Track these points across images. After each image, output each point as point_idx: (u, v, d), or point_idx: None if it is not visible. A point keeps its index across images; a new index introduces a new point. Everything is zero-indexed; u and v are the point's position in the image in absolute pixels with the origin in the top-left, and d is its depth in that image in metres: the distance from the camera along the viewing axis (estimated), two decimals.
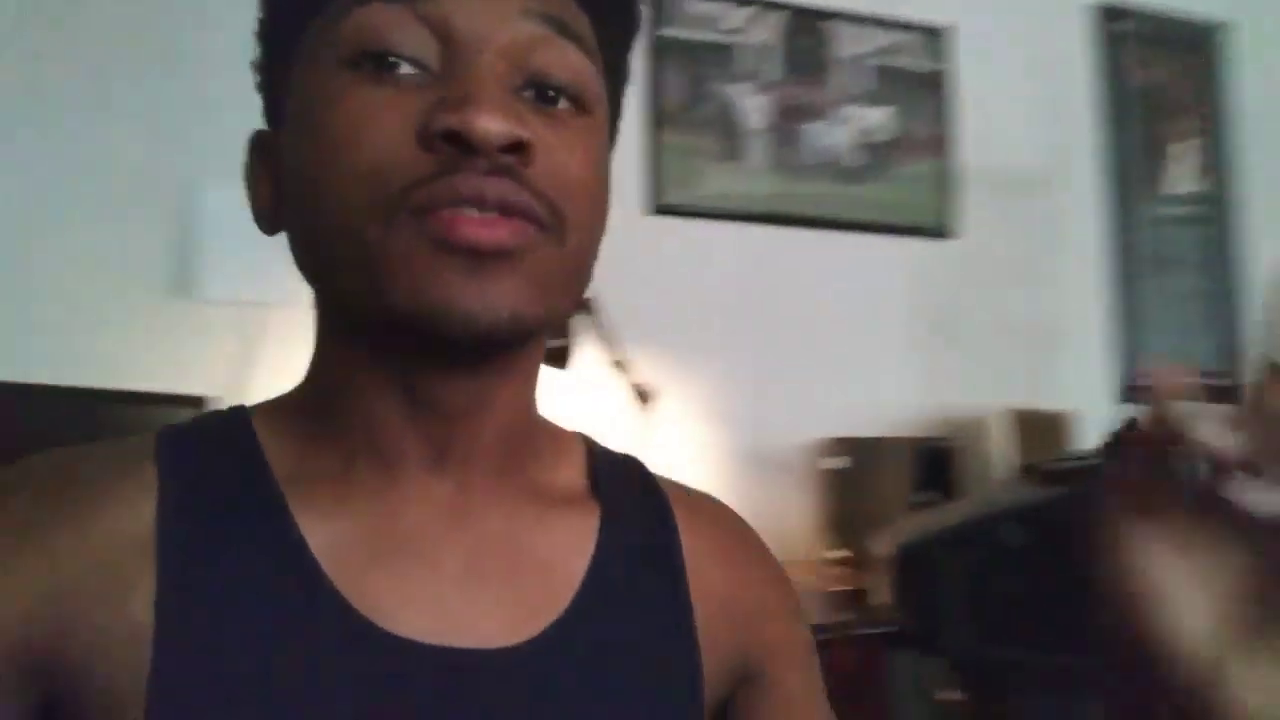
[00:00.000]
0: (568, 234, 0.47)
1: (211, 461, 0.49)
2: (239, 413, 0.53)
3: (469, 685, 0.46)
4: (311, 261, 0.49)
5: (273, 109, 0.52)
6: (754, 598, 0.58)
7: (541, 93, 0.47)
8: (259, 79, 0.53)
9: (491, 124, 0.43)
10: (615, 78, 0.54)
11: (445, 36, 0.46)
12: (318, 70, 0.47)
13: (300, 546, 0.47)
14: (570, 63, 0.48)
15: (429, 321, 0.44)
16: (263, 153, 0.52)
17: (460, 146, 0.43)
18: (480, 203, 0.43)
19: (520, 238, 0.44)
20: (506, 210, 0.44)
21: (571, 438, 0.59)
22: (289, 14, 0.50)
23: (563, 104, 0.48)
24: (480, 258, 0.43)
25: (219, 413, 0.53)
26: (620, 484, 0.57)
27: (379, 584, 0.47)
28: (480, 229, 0.43)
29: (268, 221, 0.52)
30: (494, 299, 0.44)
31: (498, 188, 0.44)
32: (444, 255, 0.43)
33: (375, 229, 0.44)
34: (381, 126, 0.44)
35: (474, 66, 0.45)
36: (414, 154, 0.44)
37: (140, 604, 0.44)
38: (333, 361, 0.51)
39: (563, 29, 0.48)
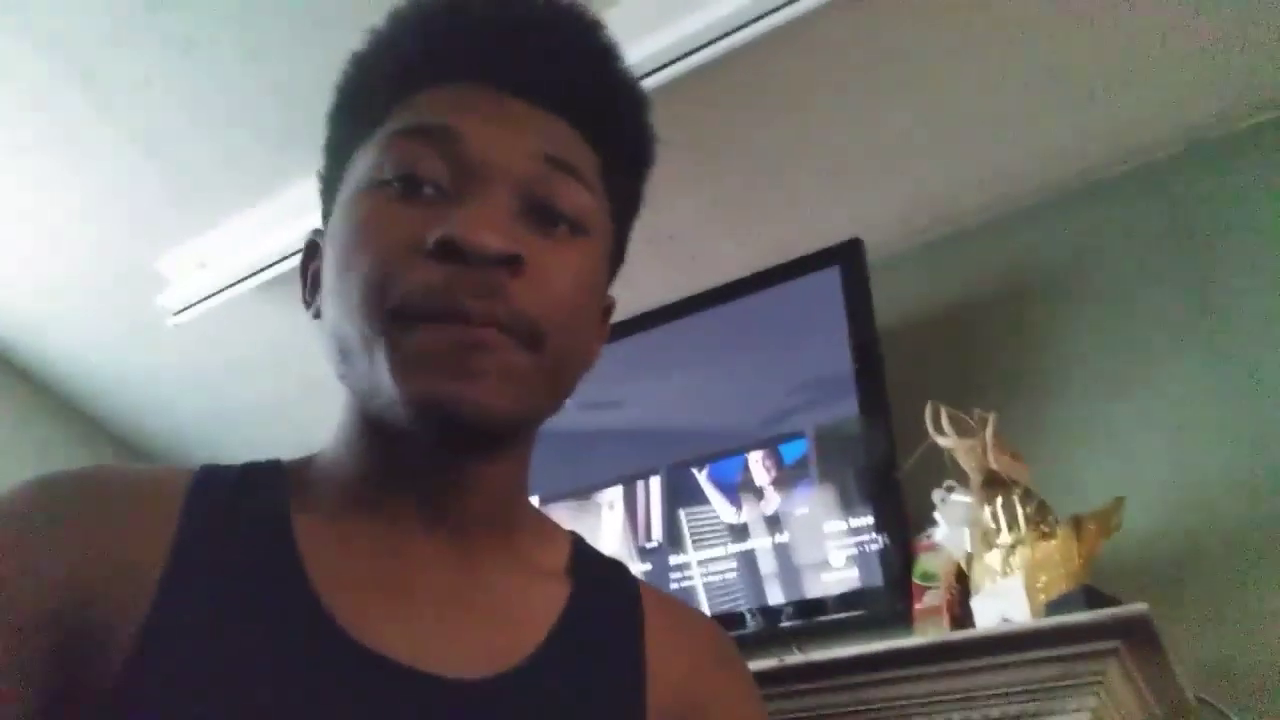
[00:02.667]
0: (545, 349, 0.53)
1: (236, 498, 0.57)
2: (274, 463, 0.61)
3: (435, 705, 0.51)
4: (336, 352, 0.57)
5: (325, 216, 0.62)
6: (713, 694, 0.61)
7: (543, 216, 0.55)
8: (320, 188, 0.63)
9: (486, 238, 0.50)
10: (621, 204, 0.62)
11: (461, 166, 0.54)
12: (356, 187, 0.56)
13: (297, 567, 0.53)
14: (571, 195, 0.56)
15: (424, 420, 0.51)
16: (311, 252, 0.63)
17: (458, 257, 0.50)
18: (467, 320, 0.50)
19: (504, 346, 0.51)
20: (500, 315, 0.51)
21: (561, 531, 0.67)
22: (345, 137, 0.60)
23: (562, 227, 0.56)
24: (470, 365, 0.51)
25: (259, 461, 0.61)
26: (597, 573, 0.64)
27: (365, 609, 0.53)
28: (470, 338, 0.51)
29: (309, 307, 0.62)
30: (482, 398, 0.51)
31: (483, 309, 0.51)
32: (439, 362, 0.50)
33: (385, 330, 0.51)
34: (391, 235, 0.52)
35: (481, 194, 0.53)
36: (415, 262, 0.51)
37: (144, 598, 0.50)
38: (351, 432, 0.59)
39: (568, 169, 0.56)
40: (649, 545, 1.89)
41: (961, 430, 1.49)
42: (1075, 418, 1.65)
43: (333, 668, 0.50)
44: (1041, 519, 1.38)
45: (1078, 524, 1.37)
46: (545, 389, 0.55)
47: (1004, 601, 1.35)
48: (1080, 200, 1.81)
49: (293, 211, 2.01)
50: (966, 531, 1.44)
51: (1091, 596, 1.26)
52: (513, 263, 0.51)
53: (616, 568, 0.67)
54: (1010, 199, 1.88)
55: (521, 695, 0.53)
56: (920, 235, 1.97)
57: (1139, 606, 1.21)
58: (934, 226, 1.96)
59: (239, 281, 2.13)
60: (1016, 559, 1.37)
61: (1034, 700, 1.27)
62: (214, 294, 2.16)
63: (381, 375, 0.52)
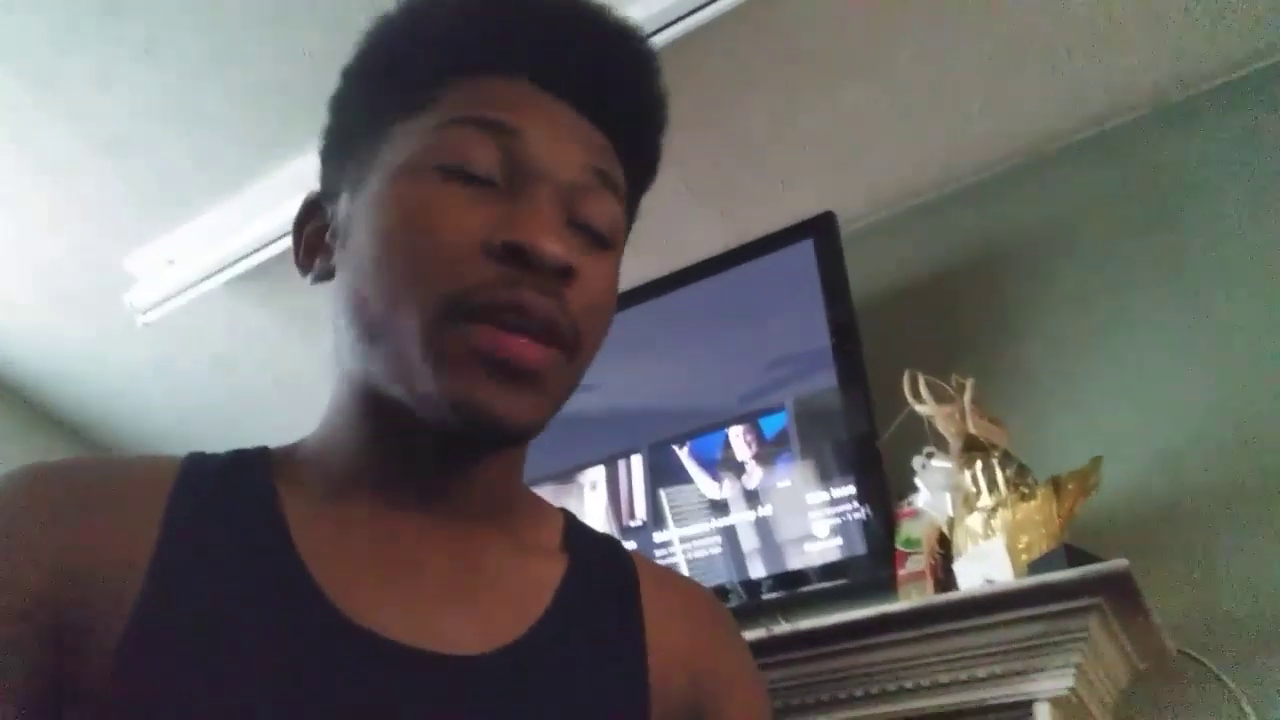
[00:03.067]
0: (580, 353, 0.56)
1: (225, 482, 0.57)
2: (262, 449, 0.61)
3: (434, 681, 0.51)
4: (358, 326, 0.56)
5: (338, 175, 0.60)
6: (712, 662, 0.62)
7: (582, 227, 0.56)
8: (327, 145, 0.62)
9: (554, 247, 0.51)
10: (630, 217, 0.64)
11: (517, 165, 0.54)
12: (407, 165, 0.55)
13: (290, 550, 0.53)
14: (608, 209, 0.58)
15: (459, 418, 0.52)
16: (313, 211, 0.63)
17: (520, 261, 0.51)
18: (528, 315, 0.51)
19: (548, 363, 0.53)
20: (547, 331, 0.52)
21: (553, 509, 0.67)
22: (380, 108, 0.58)
23: (595, 239, 0.57)
24: (515, 374, 0.51)
25: (246, 449, 0.61)
26: (591, 549, 0.64)
27: (361, 589, 0.53)
28: (522, 350, 0.51)
29: (305, 269, 0.62)
30: (521, 410, 0.52)
31: (546, 306, 0.52)
32: (486, 365, 0.51)
33: (432, 321, 0.51)
34: (455, 225, 0.52)
35: (537, 197, 0.54)
36: (478, 258, 0.52)
37: (134, 586, 0.50)
38: (351, 414, 0.58)
39: (607, 182, 0.58)
40: (633, 524, 1.89)
41: (940, 397, 1.50)
42: (1051, 381, 1.67)
43: (331, 647, 0.50)
44: (1021, 481, 1.40)
45: (1056, 485, 1.39)
46: (569, 394, 0.58)
47: (986, 563, 1.36)
48: (1049, 167, 1.83)
49: (261, 206, 2.00)
50: (947, 496, 1.45)
51: (1072, 555, 1.27)
52: (570, 275, 0.53)
53: (610, 543, 0.68)
54: (979, 168, 1.89)
55: (521, 669, 0.53)
56: (892, 207, 1.98)
57: (1119, 562, 1.22)
58: (905, 198, 1.97)
59: (208, 277, 2.11)
60: (997, 521, 1.38)
61: (1020, 659, 1.29)
62: (183, 290, 2.13)
63: (420, 363, 0.52)
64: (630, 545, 1.90)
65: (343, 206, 0.59)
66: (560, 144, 0.56)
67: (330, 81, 0.62)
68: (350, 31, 0.61)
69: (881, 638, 1.36)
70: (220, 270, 2.09)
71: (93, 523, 0.52)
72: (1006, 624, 1.30)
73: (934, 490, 1.47)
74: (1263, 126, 1.64)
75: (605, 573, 0.63)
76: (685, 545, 1.83)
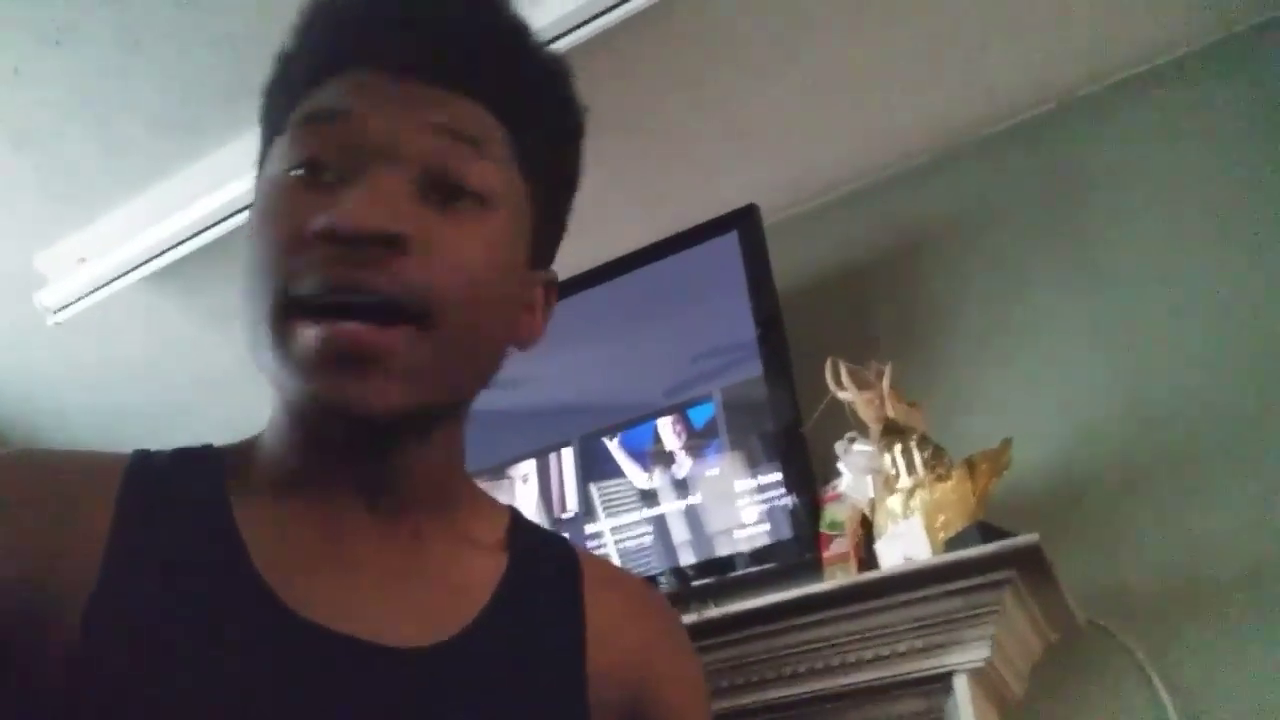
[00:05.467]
0: (443, 324, 0.52)
1: (173, 480, 0.57)
2: (209, 447, 0.61)
3: (378, 673, 0.52)
4: (245, 336, 0.56)
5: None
6: (652, 657, 0.63)
7: (445, 192, 0.54)
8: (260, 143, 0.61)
9: (360, 219, 0.50)
10: (545, 176, 0.61)
11: (355, 149, 0.53)
12: (266, 171, 0.56)
13: (237, 547, 0.54)
14: (472, 167, 0.55)
15: (318, 412, 0.53)
16: None
17: (336, 242, 0.50)
18: (352, 292, 0.50)
19: (389, 343, 0.51)
20: (384, 308, 0.50)
21: (499, 505, 0.67)
22: (265, 133, 0.59)
23: (466, 202, 0.55)
24: (355, 361, 0.50)
25: (192, 446, 0.61)
26: (535, 544, 0.65)
27: (307, 585, 0.54)
28: (353, 336, 0.50)
29: None
30: (371, 396, 0.51)
31: (371, 280, 0.50)
32: (324, 358, 0.50)
33: (274, 324, 0.52)
34: (281, 223, 0.52)
35: (368, 175, 0.52)
36: (302, 250, 0.51)
37: (85, 583, 0.50)
38: (279, 418, 0.59)
39: (467, 140, 0.55)
40: (564, 516, 1.90)
41: (860, 384, 1.54)
42: (966, 366, 1.72)
43: (277, 642, 0.51)
44: (938, 462, 1.44)
45: (971, 465, 1.44)
46: (447, 370, 0.54)
47: (906, 542, 1.41)
48: (964, 158, 1.89)
49: (177, 201, 1.95)
50: (869, 479, 1.49)
51: (986, 531, 1.32)
52: (395, 241, 0.51)
53: (555, 540, 0.68)
54: (898, 159, 1.94)
55: (460, 662, 0.55)
56: (814, 199, 2.02)
57: (1030, 537, 1.28)
58: (826, 190, 2.01)
59: (123, 275, 2.05)
60: (916, 501, 1.43)
61: (938, 633, 1.34)
62: (96, 289, 2.07)
63: (280, 369, 0.53)
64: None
65: None
66: (398, 115, 0.55)
67: (249, 68, 0.62)
68: (269, 15, 0.61)
69: (807, 618, 1.40)
70: (135, 268, 2.03)
71: (40, 521, 0.52)
72: (925, 600, 1.35)
73: (856, 474, 1.51)
74: (1169, 119, 1.71)
75: (547, 569, 0.64)
76: (616, 536, 1.85)
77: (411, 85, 0.56)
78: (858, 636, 1.38)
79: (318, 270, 0.50)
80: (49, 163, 1.88)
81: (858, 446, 1.52)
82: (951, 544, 1.35)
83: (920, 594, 1.35)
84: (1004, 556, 1.29)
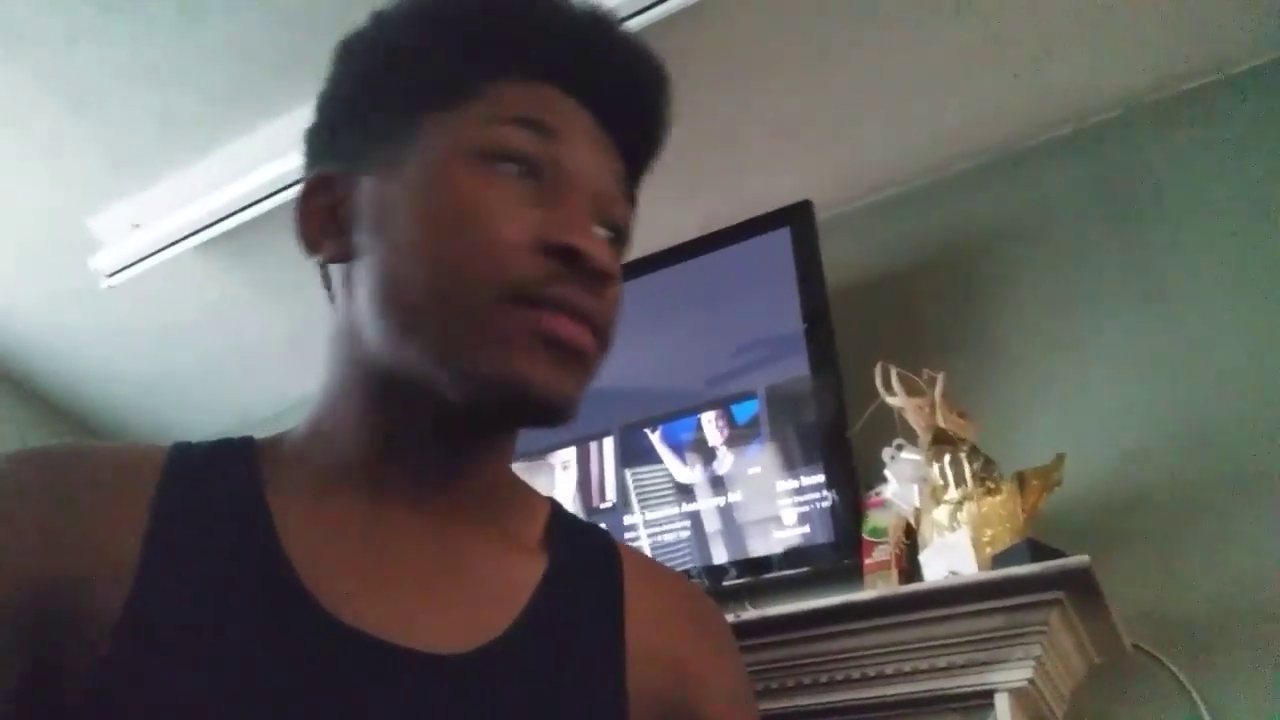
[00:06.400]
0: (607, 353, 0.59)
1: (211, 474, 0.57)
2: (247, 440, 0.61)
3: (414, 679, 0.51)
4: (395, 308, 0.56)
5: (354, 152, 0.59)
6: (694, 659, 0.62)
7: (615, 235, 0.60)
8: (338, 118, 0.61)
9: (603, 255, 0.55)
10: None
11: (556, 165, 0.57)
12: (452, 155, 0.56)
13: (275, 547, 0.53)
14: (627, 215, 0.61)
15: (512, 394, 0.53)
16: (321, 187, 0.60)
17: (570, 260, 0.54)
18: (578, 312, 0.54)
19: (595, 351, 0.57)
20: (591, 324, 0.55)
21: (540, 501, 0.67)
22: (404, 96, 0.58)
23: (619, 245, 0.61)
24: (566, 354, 0.54)
25: (231, 439, 0.61)
26: (575, 541, 0.65)
27: (346, 586, 0.53)
28: (574, 332, 0.54)
29: (315, 249, 0.60)
30: (567, 387, 0.55)
31: (595, 305, 0.55)
32: (541, 344, 0.53)
33: (490, 305, 0.53)
34: (507, 219, 0.54)
35: (577, 201, 0.56)
36: (530, 253, 0.54)
37: (123, 582, 0.50)
38: (353, 404, 0.58)
39: (626, 189, 0.62)
40: (602, 506, 1.90)
41: (910, 390, 1.52)
42: (1020, 376, 1.69)
43: (314, 645, 0.51)
44: (987, 475, 1.42)
45: (1022, 480, 1.41)
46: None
47: (951, 555, 1.38)
48: (1023, 162, 1.84)
49: (231, 172, 1.96)
50: (915, 488, 1.47)
51: (1035, 549, 1.30)
52: (610, 281, 0.57)
53: (596, 534, 0.67)
54: (954, 161, 1.90)
55: (498, 669, 0.54)
56: (868, 197, 1.99)
57: (1081, 558, 1.25)
58: (880, 188, 1.98)
59: (175, 242, 2.07)
60: (963, 514, 1.40)
61: (981, 650, 1.32)
62: (149, 255, 2.09)
63: (480, 344, 0.53)
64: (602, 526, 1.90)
65: (367, 187, 0.58)
66: (593, 152, 0.59)
67: (304, 43, 0.61)
68: None
69: (845, 626, 1.38)
70: (187, 236, 2.05)
71: (80, 518, 0.52)
72: (969, 615, 1.32)
73: (902, 481, 1.49)
74: (1236, 133, 1.66)
75: (588, 569, 0.63)
76: (651, 529, 1.84)
77: (595, 122, 0.60)
78: (898, 648, 1.36)
79: (555, 279, 0.54)
80: (106, 127, 1.89)
81: (905, 454, 1.49)
82: (999, 560, 1.33)
83: (965, 609, 1.32)
84: (1053, 577, 1.27)
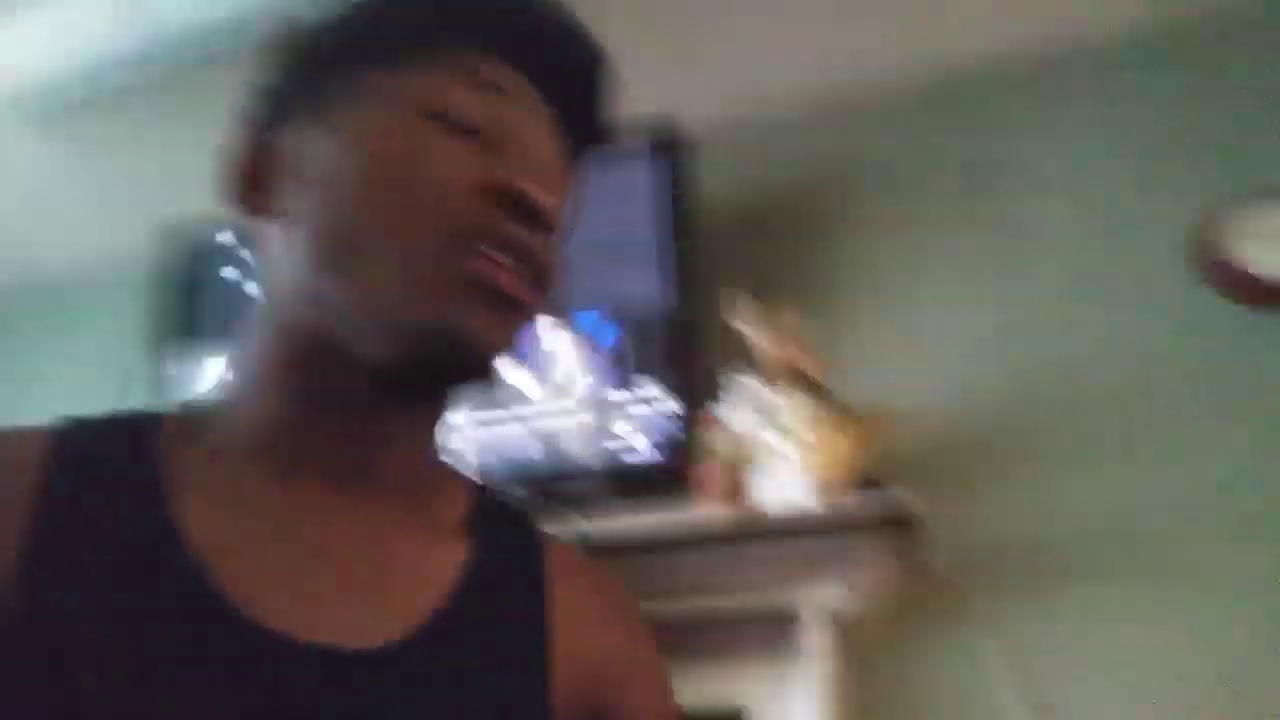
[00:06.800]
0: (543, 305, 0.56)
1: (105, 457, 0.53)
2: (149, 414, 0.57)
3: (329, 677, 0.49)
4: (326, 262, 0.54)
5: (286, 105, 0.59)
6: (618, 653, 0.61)
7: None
8: (282, 72, 0.60)
9: (549, 196, 0.54)
10: None
11: (502, 123, 0.56)
12: (393, 107, 0.55)
13: (176, 536, 0.49)
14: (567, 180, 0.60)
15: (449, 336, 0.51)
16: (259, 140, 0.58)
17: (514, 205, 0.53)
18: (521, 252, 0.53)
19: (531, 300, 0.54)
20: (534, 269, 0.53)
21: (465, 483, 0.63)
22: (346, 58, 0.58)
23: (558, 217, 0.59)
24: (503, 302, 0.52)
25: (129, 412, 0.57)
26: (500, 526, 0.61)
27: (256, 579, 0.50)
28: (512, 281, 0.52)
29: (244, 203, 0.58)
30: (499, 339, 0.53)
31: (539, 245, 0.54)
32: (479, 292, 0.51)
33: (428, 248, 0.51)
34: (446, 164, 0.53)
35: (518, 150, 0.55)
36: (471, 196, 0.52)
37: (7, 580, 0.47)
38: (268, 378, 0.55)
39: (568, 176, 0.60)
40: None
41: (762, 319, 1.53)
42: (865, 314, 1.74)
43: (216, 642, 0.47)
44: (828, 410, 1.46)
45: (858, 416, 1.46)
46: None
47: (786, 484, 1.43)
48: (886, 110, 1.87)
49: None
50: (755, 414, 1.49)
51: (865, 483, 1.35)
52: (552, 227, 0.55)
53: (521, 519, 0.64)
54: (826, 101, 1.90)
55: (413, 665, 0.51)
56: (736, 122, 1.96)
57: (906, 495, 1.32)
58: (751, 114, 1.95)
59: None
60: (801, 445, 1.44)
61: (802, 573, 1.38)
62: None
63: (413, 291, 0.52)
64: None
65: (306, 141, 0.57)
66: (537, 120, 0.58)
67: None
68: None
69: (677, 544, 1.41)
70: None
71: None
72: (797, 543, 1.38)
73: (743, 407, 1.51)
74: (1090, 99, 1.75)
75: (512, 556, 0.60)
76: (482, 431, 1.80)
77: (537, 96, 0.58)
78: (725, 568, 1.40)
79: (496, 222, 0.52)
80: None
81: (749, 381, 1.51)
82: (830, 492, 1.38)
83: (792, 536, 1.37)
84: (880, 510, 1.33)
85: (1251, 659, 1.35)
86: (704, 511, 1.47)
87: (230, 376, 0.57)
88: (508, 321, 0.53)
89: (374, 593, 0.53)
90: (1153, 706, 1.35)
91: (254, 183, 0.58)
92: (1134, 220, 1.66)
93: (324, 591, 0.51)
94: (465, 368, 0.53)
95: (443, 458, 0.62)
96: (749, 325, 1.52)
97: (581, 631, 0.58)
